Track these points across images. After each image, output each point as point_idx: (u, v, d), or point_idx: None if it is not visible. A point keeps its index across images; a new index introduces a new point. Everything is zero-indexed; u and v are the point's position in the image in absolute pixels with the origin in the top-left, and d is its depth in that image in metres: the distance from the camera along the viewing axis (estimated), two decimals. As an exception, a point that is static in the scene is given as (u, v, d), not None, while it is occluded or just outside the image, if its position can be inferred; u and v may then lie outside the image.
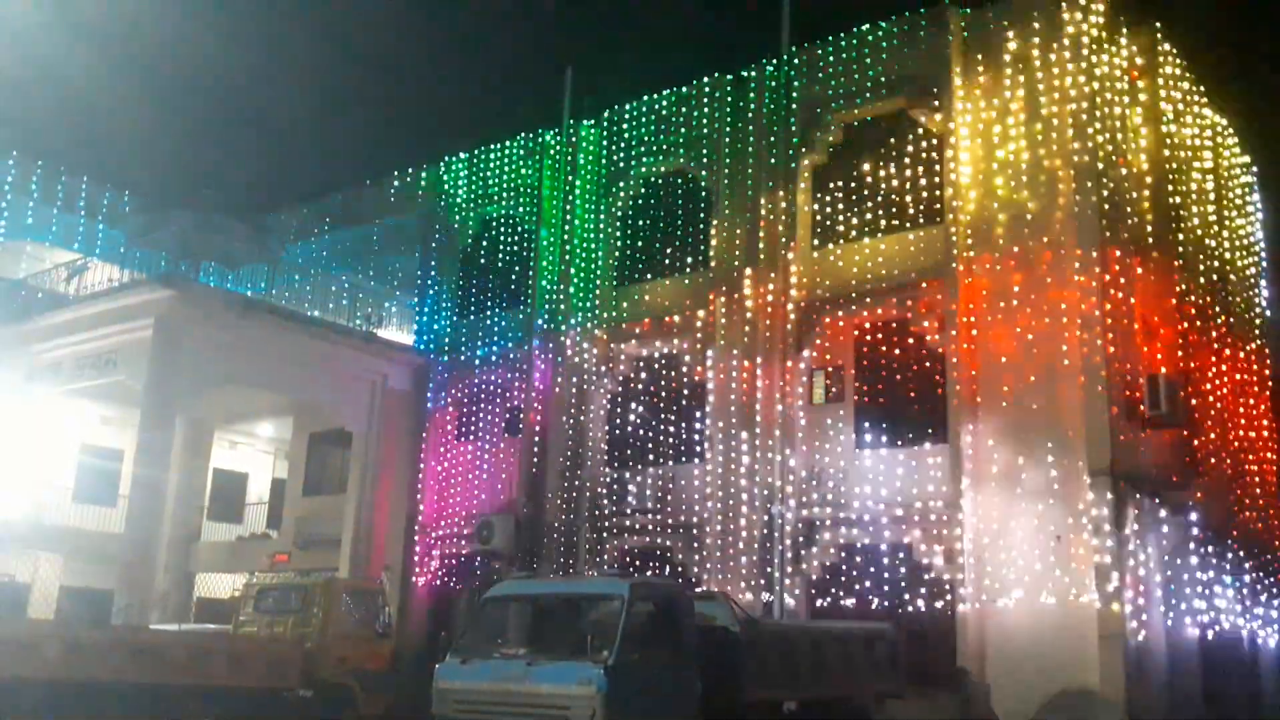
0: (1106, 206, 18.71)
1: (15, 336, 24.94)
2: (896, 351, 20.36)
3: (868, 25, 21.64)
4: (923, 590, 19.09)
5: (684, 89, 24.07)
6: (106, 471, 27.64)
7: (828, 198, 21.81)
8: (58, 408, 26.00)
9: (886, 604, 19.32)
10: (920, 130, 20.91)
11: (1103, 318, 18.07)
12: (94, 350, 23.77)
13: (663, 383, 23.33)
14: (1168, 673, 17.96)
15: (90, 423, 27.63)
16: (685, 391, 22.94)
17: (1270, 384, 24.83)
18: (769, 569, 20.40)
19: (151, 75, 54.88)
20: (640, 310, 23.72)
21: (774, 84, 22.68)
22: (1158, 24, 21.22)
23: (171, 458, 24.43)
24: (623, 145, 24.85)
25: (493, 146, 27.17)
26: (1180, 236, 21.02)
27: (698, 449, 22.30)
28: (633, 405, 23.60)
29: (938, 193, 20.39)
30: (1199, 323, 21.27)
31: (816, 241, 21.65)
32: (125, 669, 15.41)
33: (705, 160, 23.38)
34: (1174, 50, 21.81)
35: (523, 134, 26.68)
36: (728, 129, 23.14)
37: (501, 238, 26.84)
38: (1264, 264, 25.80)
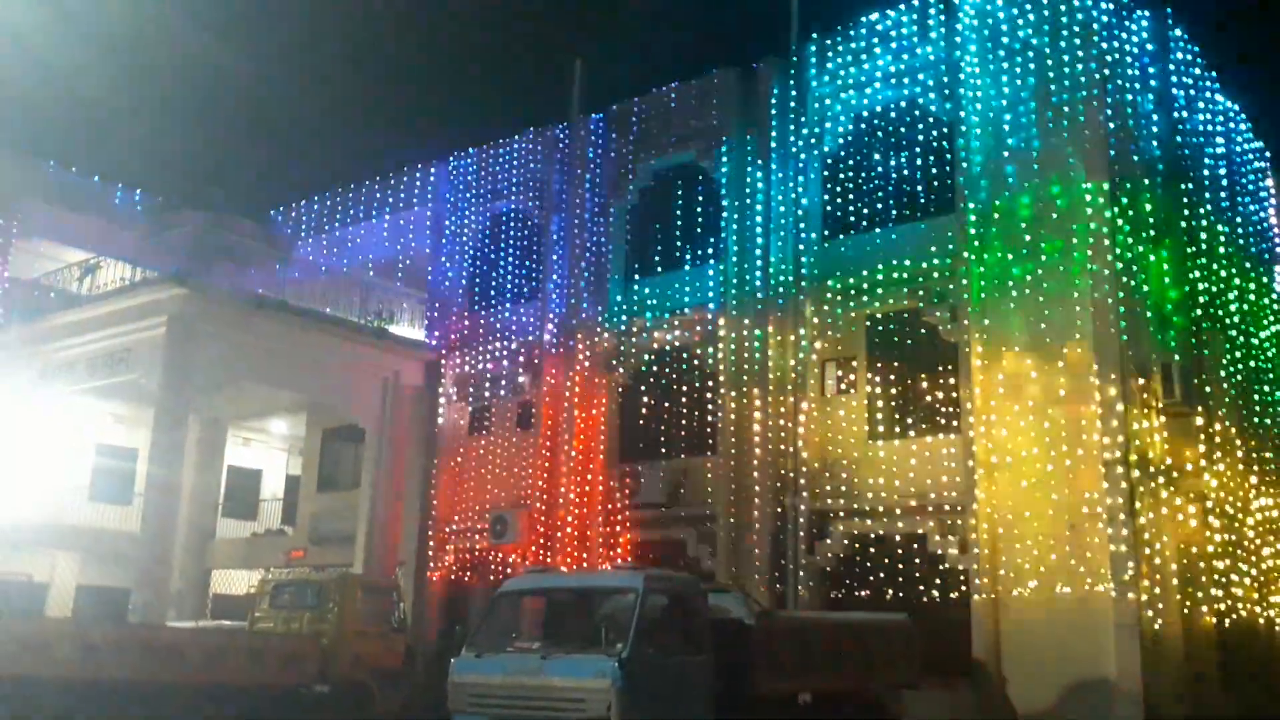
0: (1118, 193, 18.60)
1: (29, 336, 25.03)
2: (908, 341, 20.32)
3: (877, 15, 21.56)
4: (937, 581, 19.07)
5: (694, 81, 24.00)
6: (121, 470, 27.76)
7: (838, 188, 21.74)
8: (72, 407, 26.10)
9: (901, 595, 19.31)
10: (931, 119, 20.83)
11: (1116, 305, 17.97)
12: (107, 349, 23.85)
13: (674, 375, 23.32)
14: (1185, 661, 17.86)
15: (104, 422, 27.73)
16: (697, 384, 22.93)
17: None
18: (782, 561, 20.40)
19: (160, 74, 55.06)
20: (651, 303, 23.69)
21: (784, 76, 22.60)
22: (1168, 8, 21.10)
23: (186, 456, 24.51)
24: (632, 138, 24.81)
25: (502, 140, 27.18)
26: (1193, 222, 20.89)
27: (710, 441, 22.30)
28: (644, 398, 23.60)
29: (948, 181, 20.32)
30: (1213, 308, 21.15)
31: (828, 232, 21.60)
32: (142, 667, 15.51)
33: (716, 153, 23.30)
34: (1185, 35, 21.67)
35: (532, 127, 26.69)
36: (738, 121, 23.07)
37: (511, 232, 26.83)
38: (1277, 249, 25.65)
